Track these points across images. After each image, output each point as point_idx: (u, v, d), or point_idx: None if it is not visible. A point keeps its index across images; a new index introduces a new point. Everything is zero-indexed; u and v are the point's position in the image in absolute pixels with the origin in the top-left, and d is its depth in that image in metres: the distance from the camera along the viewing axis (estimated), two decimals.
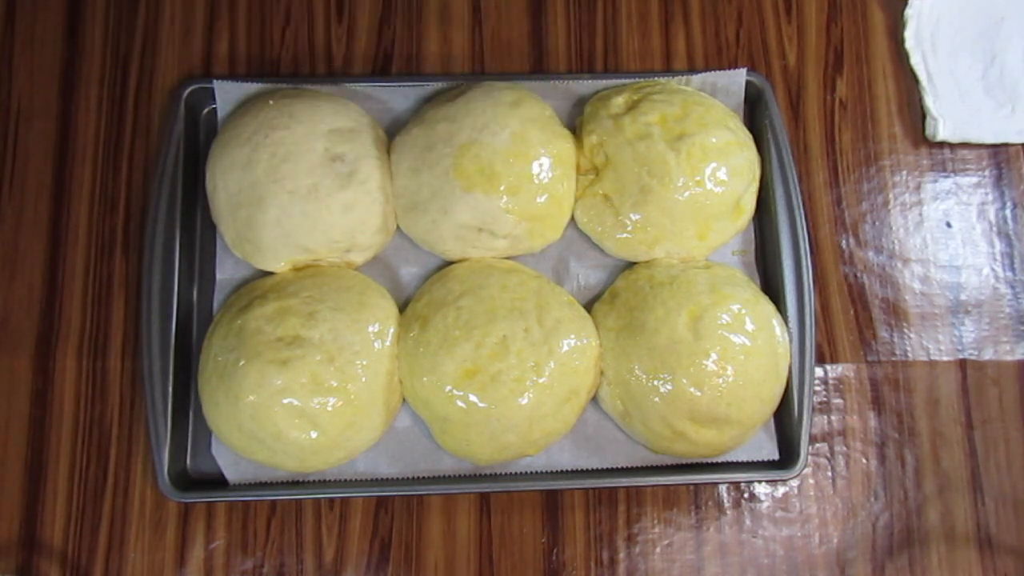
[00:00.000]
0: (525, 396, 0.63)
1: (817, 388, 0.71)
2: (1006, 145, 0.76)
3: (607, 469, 0.67)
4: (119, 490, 0.67)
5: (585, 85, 0.72)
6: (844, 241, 0.74)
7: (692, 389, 0.63)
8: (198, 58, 0.74)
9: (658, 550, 0.68)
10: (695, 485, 0.69)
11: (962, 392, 0.72)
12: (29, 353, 0.69)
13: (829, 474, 0.70)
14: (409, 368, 0.65)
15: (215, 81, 0.70)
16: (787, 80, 0.77)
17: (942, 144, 0.76)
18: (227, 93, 0.70)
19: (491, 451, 0.64)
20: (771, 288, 0.70)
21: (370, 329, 0.64)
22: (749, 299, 0.67)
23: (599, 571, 0.68)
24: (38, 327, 0.69)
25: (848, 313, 0.73)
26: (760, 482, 0.69)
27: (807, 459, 0.68)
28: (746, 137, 0.71)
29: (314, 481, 0.66)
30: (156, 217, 0.67)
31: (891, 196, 0.75)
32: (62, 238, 0.71)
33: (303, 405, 0.61)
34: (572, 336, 0.65)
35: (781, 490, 0.70)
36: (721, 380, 0.63)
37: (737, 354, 0.64)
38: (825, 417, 0.71)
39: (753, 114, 0.73)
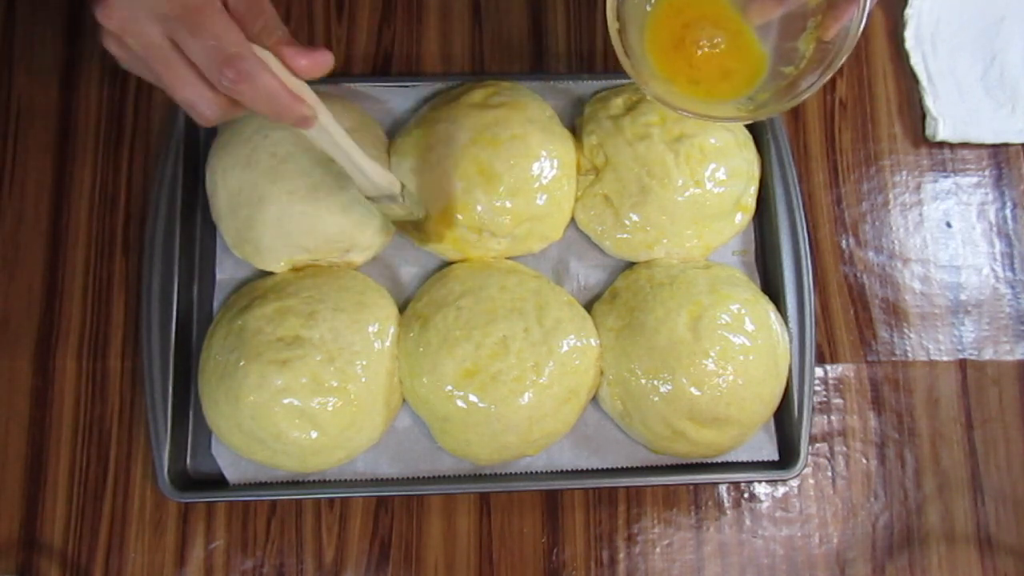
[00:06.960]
0: (525, 396, 0.63)
1: (817, 388, 0.71)
2: (1006, 145, 0.76)
3: (607, 469, 0.67)
4: (119, 490, 0.67)
5: (585, 85, 0.72)
6: (844, 241, 0.74)
7: (692, 389, 0.63)
8: None
9: (658, 550, 0.68)
10: (695, 485, 0.69)
11: (962, 392, 0.72)
12: (29, 353, 0.69)
13: (829, 474, 0.70)
14: (409, 368, 0.65)
15: None
16: None
17: (942, 144, 0.76)
18: None
19: (491, 451, 0.64)
20: (771, 288, 0.70)
21: (370, 329, 0.64)
22: (749, 299, 0.67)
23: (599, 571, 0.68)
24: (38, 327, 0.69)
25: (848, 313, 0.73)
26: (760, 482, 0.69)
27: (807, 459, 0.68)
28: (745, 138, 0.70)
29: (314, 481, 0.66)
30: (156, 217, 0.67)
31: (891, 196, 0.75)
32: (62, 238, 0.71)
33: (303, 405, 0.61)
34: (572, 336, 0.65)
35: (781, 490, 0.70)
36: (721, 380, 0.63)
37: (737, 354, 0.64)
38: (825, 417, 0.71)
39: None
